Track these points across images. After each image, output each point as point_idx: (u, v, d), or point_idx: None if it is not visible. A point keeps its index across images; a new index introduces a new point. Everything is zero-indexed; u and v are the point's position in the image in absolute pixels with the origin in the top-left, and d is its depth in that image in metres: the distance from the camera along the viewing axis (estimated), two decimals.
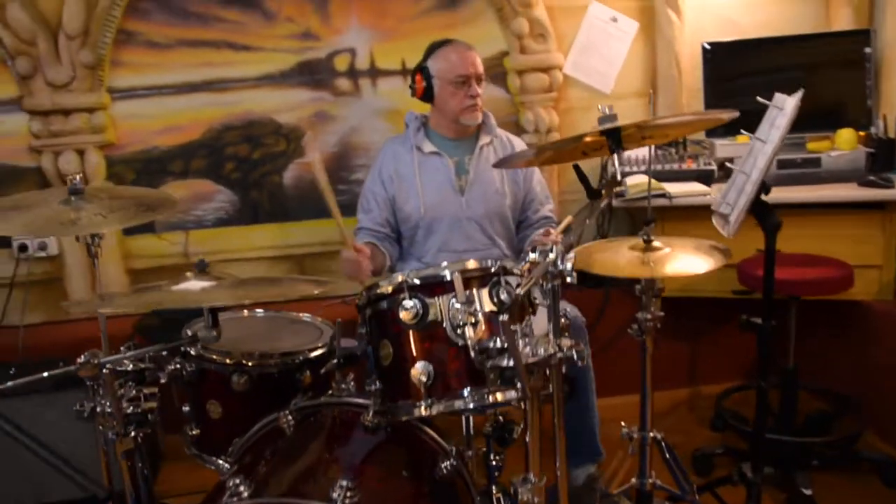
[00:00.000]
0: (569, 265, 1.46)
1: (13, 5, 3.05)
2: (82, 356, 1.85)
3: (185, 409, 2.21)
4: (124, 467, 1.94)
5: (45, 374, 1.98)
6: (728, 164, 2.20)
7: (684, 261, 2.08)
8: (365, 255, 2.41)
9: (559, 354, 1.47)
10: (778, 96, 2.16)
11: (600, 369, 2.68)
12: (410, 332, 1.70)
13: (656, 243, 2.13)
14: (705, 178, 3.07)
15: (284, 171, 3.36)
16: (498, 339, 1.54)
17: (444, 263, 1.72)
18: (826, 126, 3.23)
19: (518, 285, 1.62)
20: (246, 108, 3.28)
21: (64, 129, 3.17)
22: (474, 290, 1.68)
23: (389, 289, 1.74)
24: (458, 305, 1.64)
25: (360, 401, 1.93)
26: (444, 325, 1.67)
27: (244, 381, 2.10)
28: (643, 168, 3.11)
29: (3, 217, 1.86)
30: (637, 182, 2.92)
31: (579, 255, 2.16)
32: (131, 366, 1.94)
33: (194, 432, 2.20)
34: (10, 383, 2.05)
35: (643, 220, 2.98)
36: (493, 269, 1.71)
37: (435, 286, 1.70)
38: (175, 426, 2.20)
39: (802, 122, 3.16)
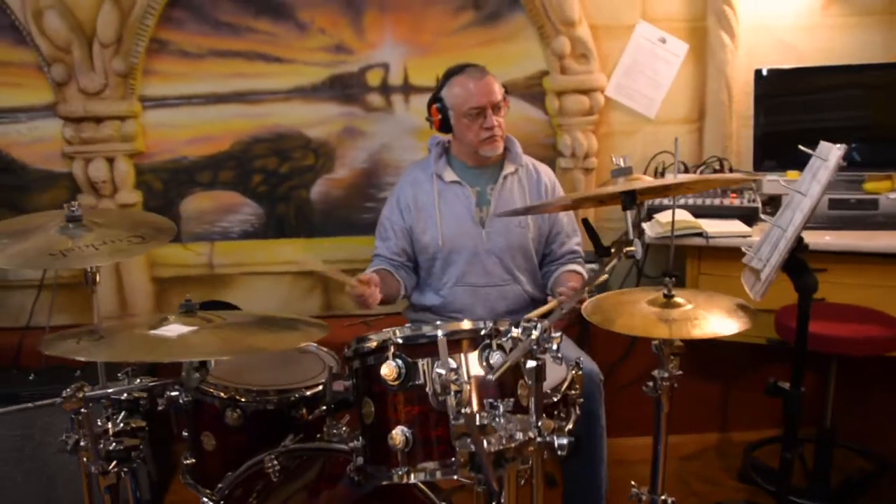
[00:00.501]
0: (554, 345, 1.33)
1: (51, 13, 3.05)
2: (67, 389, 1.82)
3: (185, 434, 2.17)
4: (107, 502, 1.90)
5: (31, 404, 1.97)
6: (763, 217, 2.03)
7: (707, 321, 1.92)
8: (372, 283, 2.33)
9: (538, 440, 1.35)
10: (823, 145, 1.98)
11: (620, 407, 2.53)
12: (392, 394, 1.61)
13: (678, 298, 1.99)
14: (748, 217, 2.88)
15: (312, 186, 3.29)
16: (479, 417, 1.43)
17: (438, 323, 1.63)
18: (887, 165, 3.00)
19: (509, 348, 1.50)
20: (275, 120, 3.23)
21: (95, 137, 3.18)
22: (462, 354, 1.58)
23: (374, 344, 1.65)
24: (441, 371, 1.53)
25: (349, 448, 1.85)
26: (428, 389, 1.57)
27: (237, 415, 2.06)
28: (682, 200, 2.94)
29: None
30: (669, 220, 2.74)
31: (593, 306, 2.06)
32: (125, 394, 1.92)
33: (189, 461, 2.18)
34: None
35: (677, 259, 2.84)
36: (483, 332, 1.59)
37: (421, 347, 1.60)
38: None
39: (862, 160, 3.01)
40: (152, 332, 1.68)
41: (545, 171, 2.69)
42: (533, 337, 1.34)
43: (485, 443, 1.27)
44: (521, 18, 3.18)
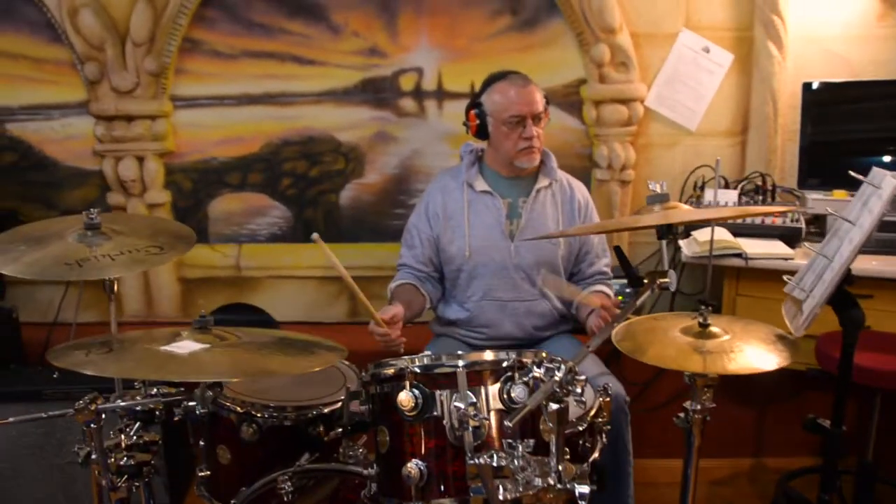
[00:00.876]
0: (578, 388, 1.25)
1: (85, 11, 3.03)
2: (80, 401, 1.79)
3: (201, 443, 2.14)
4: None
5: (44, 414, 1.94)
6: (807, 245, 1.93)
7: (744, 354, 1.83)
8: (397, 320, 2.28)
9: (557, 487, 1.27)
10: (876, 172, 1.87)
11: (649, 426, 2.44)
12: (408, 424, 1.54)
13: (714, 328, 1.89)
14: (791, 237, 2.75)
15: (341, 191, 3.23)
16: (496, 456, 1.36)
17: (460, 352, 1.56)
18: None
19: (534, 380, 1.42)
20: (306, 123, 3.17)
21: (126, 135, 3.15)
22: (483, 387, 1.50)
23: (391, 371, 1.58)
24: (459, 404, 1.46)
25: (366, 472, 1.80)
26: (446, 422, 1.50)
27: (253, 430, 2.01)
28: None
29: (16, 255, 1.81)
30: (707, 239, 2.63)
31: (624, 331, 1.97)
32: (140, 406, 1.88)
33: (204, 473, 2.13)
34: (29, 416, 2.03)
35: (715, 278, 2.72)
36: (506, 364, 1.52)
37: (440, 377, 1.53)
38: None
39: None
40: (164, 348, 1.64)
41: (579, 188, 2.60)
42: (556, 378, 1.26)
43: (500, 489, 1.20)
44: (560, 25, 3.09)
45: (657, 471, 2.97)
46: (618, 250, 1.68)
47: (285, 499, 1.85)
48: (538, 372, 1.28)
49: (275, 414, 2.00)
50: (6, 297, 3.16)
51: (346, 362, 2.28)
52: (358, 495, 1.79)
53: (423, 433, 1.53)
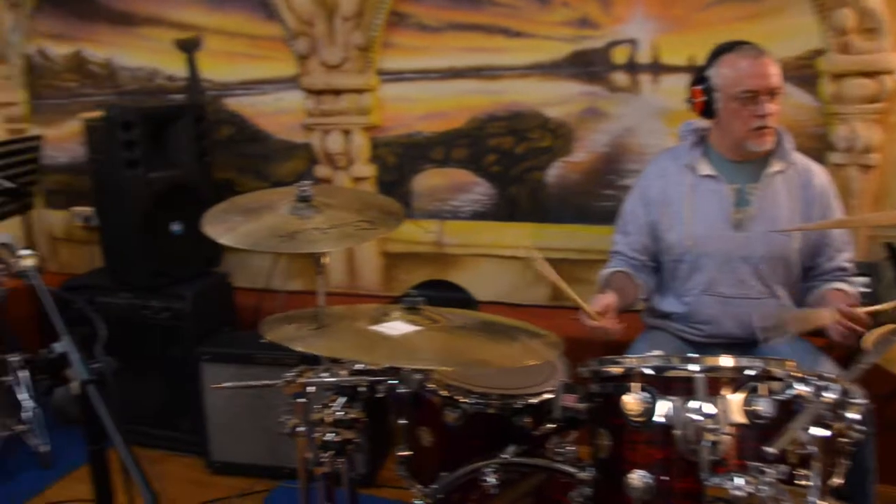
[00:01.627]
0: (854, 414, 1.06)
1: None
2: (289, 373, 1.81)
3: (403, 422, 2.12)
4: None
5: (254, 383, 1.97)
6: None
7: None
8: (609, 311, 2.11)
9: None
10: None
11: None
12: (633, 430, 1.40)
13: None
14: None
15: (547, 169, 3.10)
16: (737, 479, 1.19)
17: (690, 355, 1.38)
18: None
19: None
20: (512, 98, 3.07)
21: (333, 109, 3.21)
22: (721, 396, 1.33)
23: (618, 371, 1.45)
24: (695, 414, 1.30)
25: (575, 472, 1.68)
26: (677, 432, 1.35)
27: (457, 416, 1.95)
28: None
29: (232, 225, 1.85)
30: None
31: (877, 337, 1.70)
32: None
33: (405, 453, 2.11)
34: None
35: None
36: (750, 372, 1.33)
37: (672, 381, 1.37)
38: None
39: None
40: (374, 328, 1.59)
41: (819, 174, 2.30)
42: (827, 400, 1.07)
43: None
44: None
45: None
46: (889, 247, 1.44)
47: (489, 490, 1.77)
48: (803, 389, 1.10)
49: (480, 400, 1.93)
50: (222, 264, 3.33)
51: None
52: (565, 496, 1.68)
53: (649, 442, 1.38)
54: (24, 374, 3.19)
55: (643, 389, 1.38)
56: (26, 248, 1.80)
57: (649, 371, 1.39)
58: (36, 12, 3.73)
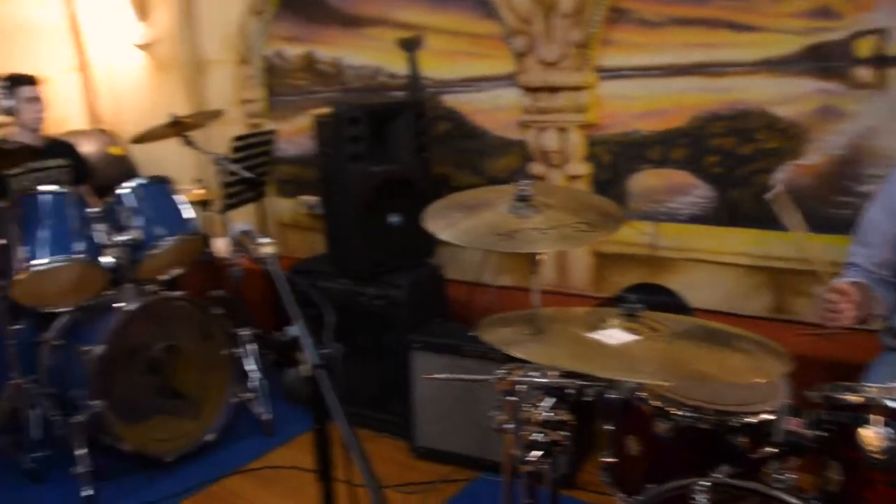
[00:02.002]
0: None
1: None
2: (500, 370, 1.84)
3: (609, 427, 2.09)
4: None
5: (463, 376, 2.03)
6: None
7: None
8: (850, 296, 1.95)
9: None
10: None
11: None
12: (870, 467, 1.28)
13: None
14: None
15: (774, 172, 2.89)
16: None
17: None
18: None
19: None
20: (736, 96, 2.88)
21: (550, 107, 3.21)
22: None
23: (856, 399, 1.33)
24: None
25: (796, 502, 1.57)
26: None
27: (668, 427, 1.88)
28: None
29: (452, 221, 1.89)
30: None
31: None
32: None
33: (609, 459, 2.08)
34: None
35: None
36: None
37: None
38: None
39: None
40: (591, 335, 1.57)
41: None
42: None
43: None
44: None
45: None
46: None
47: None
48: None
49: (693, 414, 1.85)
50: (435, 256, 3.44)
51: None
52: None
53: (891, 483, 1.26)
54: (252, 348, 3.52)
55: (886, 424, 1.25)
56: (264, 235, 1.97)
57: (893, 405, 1.26)
58: (275, 18, 4.06)
